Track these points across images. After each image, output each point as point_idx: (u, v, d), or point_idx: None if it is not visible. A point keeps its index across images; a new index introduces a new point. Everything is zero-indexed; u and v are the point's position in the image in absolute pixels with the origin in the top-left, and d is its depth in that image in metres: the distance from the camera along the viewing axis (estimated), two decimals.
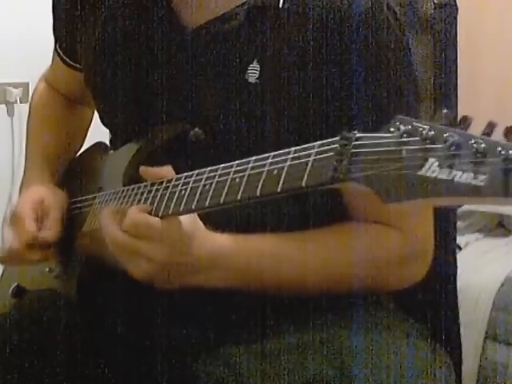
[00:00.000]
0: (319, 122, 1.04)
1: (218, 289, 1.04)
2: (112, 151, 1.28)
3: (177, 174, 0.99)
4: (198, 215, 0.97)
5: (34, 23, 2.39)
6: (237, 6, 1.07)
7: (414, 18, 1.05)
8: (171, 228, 0.95)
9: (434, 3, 1.12)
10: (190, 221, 0.96)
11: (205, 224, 0.98)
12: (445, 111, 0.71)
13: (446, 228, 1.13)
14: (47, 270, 1.21)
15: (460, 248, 2.28)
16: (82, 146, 1.41)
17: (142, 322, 1.15)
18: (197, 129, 1.08)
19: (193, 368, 1.08)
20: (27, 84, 2.49)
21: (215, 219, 0.98)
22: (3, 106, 2.57)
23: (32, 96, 1.46)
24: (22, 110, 2.51)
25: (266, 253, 1.02)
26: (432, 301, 1.18)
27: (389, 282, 1.08)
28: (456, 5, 1.21)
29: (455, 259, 1.28)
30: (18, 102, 2.54)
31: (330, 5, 1.03)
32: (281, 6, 1.05)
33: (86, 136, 1.43)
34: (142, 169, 1.03)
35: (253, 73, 1.06)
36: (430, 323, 1.15)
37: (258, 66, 1.06)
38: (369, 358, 0.98)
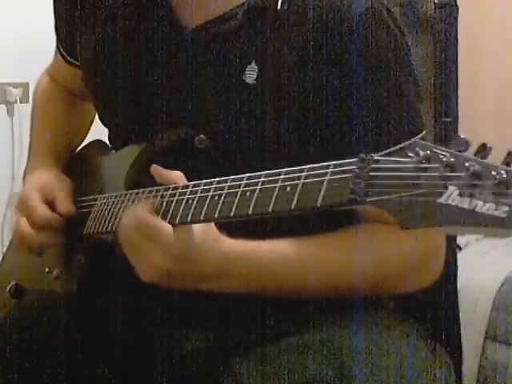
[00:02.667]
0: (318, 123, 1.04)
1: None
2: (113, 151, 1.27)
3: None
4: None
5: (33, 23, 2.39)
6: (236, 7, 1.07)
7: (414, 17, 1.05)
8: (181, 236, 0.94)
9: (435, 3, 1.12)
10: (202, 229, 0.95)
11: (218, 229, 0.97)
12: (462, 136, 0.70)
13: None
14: (46, 270, 1.21)
15: (460, 248, 2.28)
16: (85, 136, 1.41)
17: (141, 322, 1.15)
18: (202, 135, 1.07)
19: (192, 368, 1.08)
20: (27, 84, 2.49)
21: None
22: (3, 106, 2.57)
23: (35, 87, 1.46)
24: (22, 109, 2.51)
25: (278, 259, 1.01)
26: (432, 301, 1.18)
27: (403, 285, 1.08)
28: (456, 5, 1.21)
29: (455, 259, 1.28)
30: (18, 102, 2.54)
31: (329, 6, 1.03)
32: (280, 7, 1.05)
33: (89, 127, 1.42)
34: (154, 168, 1.02)
35: (251, 74, 1.06)
36: (430, 323, 1.15)
37: (256, 67, 1.06)
38: (368, 358, 0.98)
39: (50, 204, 1.19)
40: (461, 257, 1.27)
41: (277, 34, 1.05)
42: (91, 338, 1.16)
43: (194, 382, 1.08)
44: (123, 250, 0.98)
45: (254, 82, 1.05)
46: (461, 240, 2.33)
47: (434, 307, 1.18)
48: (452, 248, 1.28)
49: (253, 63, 1.06)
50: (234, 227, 0.97)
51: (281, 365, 1.00)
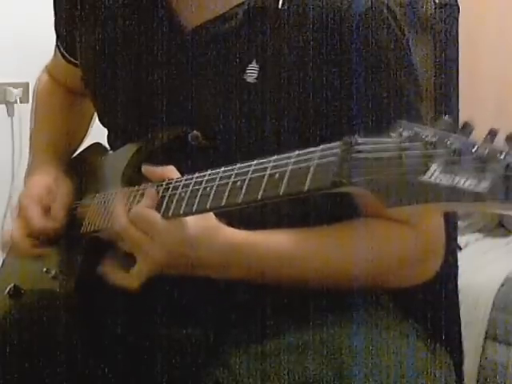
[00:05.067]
0: (319, 122, 1.04)
1: (219, 289, 1.04)
2: (111, 152, 1.27)
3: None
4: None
5: (33, 23, 2.39)
6: (236, 6, 1.07)
7: (414, 18, 1.05)
8: (173, 229, 0.96)
9: (435, 3, 1.12)
10: (198, 221, 0.97)
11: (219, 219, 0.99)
12: (446, 117, 0.71)
13: (446, 228, 1.13)
14: (45, 270, 1.21)
15: (460, 248, 2.28)
16: (86, 135, 1.42)
17: (141, 322, 1.15)
18: (195, 131, 1.08)
19: (192, 368, 1.08)
20: (27, 84, 2.49)
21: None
22: (3, 105, 2.57)
23: (35, 86, 1.46)
24: (22, 109, 2.51)
25: (280, 249, 1.02)
26: (432, 301, 1.18)
27: (402, 279, 1.08)
28: (457, 5, 1.21)
29: (456, 259, 1.27)
30: (18, 102, 2.54)
31: (330, 5, 1.03)
32: (280, 6, 1.05)
33: (90, 126, 1.43)
34: (145, 167, 1.03)
35: (252, 73, 1.06)
36: (431, 323, 1.15)
37: (257, 66, 1.06)
38: (368, 358, 0.98)
39: (47, 210, 1.20)
40: (461, 257, 1.27)
41: (277, 33, 1.05)
42: (90, 337, 1.16)
43: (193, 381, 1.08)
44: (124, 243, 1.00)
45: (255, 80, 1.05)
46: (461, 240, 2.33)
47: (434, 307, 1.18)
48: (452, 248, 1.28)
49: (253, 62, 1.06)
50: (236, 220, 0.99)
51: (280, 365, 1.00)
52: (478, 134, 0.72)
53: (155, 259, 0.97)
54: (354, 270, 1.03)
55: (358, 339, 1.01)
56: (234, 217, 0.98)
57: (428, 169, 0.69)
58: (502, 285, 2.21)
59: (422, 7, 1.07)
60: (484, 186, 0.66)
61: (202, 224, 0.98)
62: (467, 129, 0.70)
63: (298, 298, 1.06)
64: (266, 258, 1.02)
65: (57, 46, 1.35)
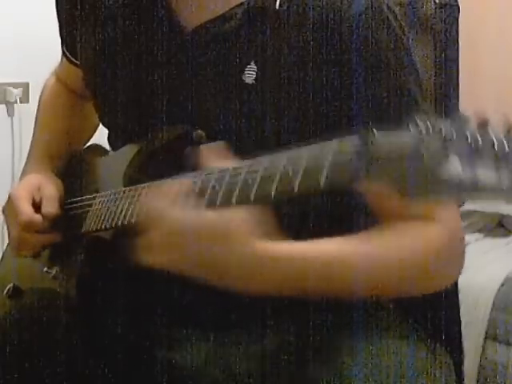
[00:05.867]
0: (318, 122, 1.04)
1: (219, 289, 1.04)
2: (111, 152, 1.27)
3: (177, 174, 0.98)
4: None
5: (34, 23, 2.39)
6: (235, 7, 1.07)
7: (415, 17, 1.05)
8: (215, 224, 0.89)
9: (435, 3, 1.12)
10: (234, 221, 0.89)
11: None
12: (462, 113, 0.70)
13: None
14: (45, 269, 1.21)
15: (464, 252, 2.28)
16: (90, 137, 1.42)
17: (141, 322, 1.15)
18: (200, 130, 1.07)
19: (192, 369, 1.08)
20: (27, 84, 2.49)
21: None
22: (3, 105, 2.57)
23: (42, 89, 1.47)
24: (22, 109, 2.51)
25: (314, 261, 0.95)
26: (432, 301, 1.18)
27: (436, 280, 1.04)
28: (457, 5, 1.21)
29: None
30: (18, 101, 2.54)
31: (329, 5, 1.03)
32: (278, 6, 1.05)
33: (95, 127, 1.42)
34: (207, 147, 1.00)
35: (250, 74, 1.06)
36: (431, 323, 1.15)
37: (255, 67, 1.05)
38: (368, 359, 0.98)
39: (38, 205, 1.20)
40: None
41: (276, 34, 1.05)
42: (90, 337, 1.16)
43: (193, 381, 1.08)
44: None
45: (253, 81, 1.05)
46: None
47: (434, 307, 1.18)
48: None
49: (252, 63, 1.06)
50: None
51: (280, 365, 1.00)
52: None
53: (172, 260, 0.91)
54: (395, 275, 0.98)
55: (358, 339, 1.01)
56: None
57: (448, 162, 0.67)
58: (502, 285, 2.21)
59: (422, 7, 1.07)
60: (504, 178, 0.66)
61: (235, 227, 0.89)
62: (485, 123, 0.68)
63: (298, 299, 1.06)
64: (312, 270, 0.94)
65: (62, 48, 1.35)
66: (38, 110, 1.43)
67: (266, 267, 0.91)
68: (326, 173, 0.77)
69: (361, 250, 0.97)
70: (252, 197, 0.83)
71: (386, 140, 0.72)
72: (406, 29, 1.03)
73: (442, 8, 1.17)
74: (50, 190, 1.22)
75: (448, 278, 1.07)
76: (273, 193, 0.82)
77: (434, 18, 1.10)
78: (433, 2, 1.11)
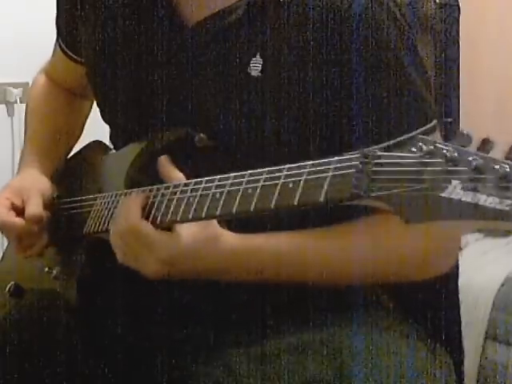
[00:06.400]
0: (321, 116, 1.04)
1: (219, 289, 1.04)
2: (113, 151, 1.27)
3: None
4: None
5: (33, 23, 2.39)
6: (237, 0, 1.07)
7: (415, 17, 1.05)
8: (168, 241, 0.96)
9: (435, 3, 1.12)
10: (196, 232, 0.96)
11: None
12: (465, 132, 0.70)
13: None
14: (46, 269, 1.21)
15: (460, 248, 2.28)
16: (79, 138, 1.41)
17: (141, 322, 1.15)
18: (201, 134, 1.07)
19: (192, 369, 1.08)
20: (27, 84, 2.47)
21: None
22: (3, 105, 2.57)
23: (30, 88, 1.46)
24: (22, 110, 2.50)
25: (282, 252, 1.01)
26: (432, 301, 1.18)
27: (430, 267, 1.06)
28: (458, 5, 1.20)
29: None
30: (18, 102, 2.54)
31: None
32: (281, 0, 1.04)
33: (83, 128, 1.42)
34: (163, 159, 1.03)
35: (256, 66, 1.05)
36: (431, 323, 1.15)
37: (260, 59, 1.05)
38: (368, 359, 0.98)
39: (20, 209, 1.20)
40: (461, 257, 1.27)
41: (280, 26, 1.04)
42: (90, 337, 1.16)
43: (193, 381, 1.08)
44: (118, 254, 1.00)
45: (259, 74, 1.05)
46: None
47: (434, 307, 1.18)
48: None
49: (257, 56, 1.05)
50: (233, 221, 0.98)
51: (280, 365, 1.00)
52: (478, 135, 0.72)
53: (151, 270, 0.98)
54: (357, 270, 1.02)
55: (358, 339, 1.01)
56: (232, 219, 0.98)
57: (449, 185, 0.67)
58: (502, 285, 2.21)
59: (422, 7, 1.06)
60: (507, 203, 0.65)
61: (200, 234, 0.97)
62: (487, 145, 0.68)
63: (298, 298, 1.06)
64: (267, 261, 1.01)
65: (58, 42, 1.34)
66: (27, 110, 1.42)
67: (236, 259, 0.99)
68: (326, 189, 0.78)
69: (319, 243, 1.02)
70: (252, 208, 0.85)
71: (388, 160, 0.72)
72: (407, 28, 1.03)
73: (442, 8, 1.17)
74: (32, 192, 1.21)
75: (443, 265, 1.08)
76: (272, 206, 0.83)
77: (434, 18, 1.10)
78: (433, 2, 1.10)
